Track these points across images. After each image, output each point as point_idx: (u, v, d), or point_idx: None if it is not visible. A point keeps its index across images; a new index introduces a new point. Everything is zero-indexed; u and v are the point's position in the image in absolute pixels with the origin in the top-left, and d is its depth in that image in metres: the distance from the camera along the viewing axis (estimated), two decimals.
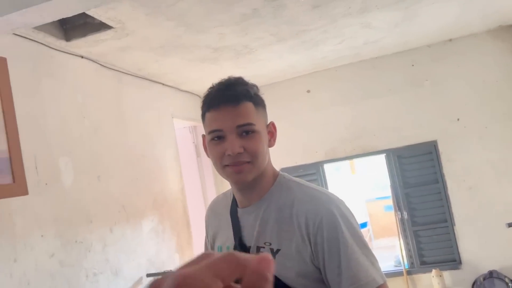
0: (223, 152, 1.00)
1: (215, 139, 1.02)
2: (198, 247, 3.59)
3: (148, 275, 2.77)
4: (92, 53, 2.55)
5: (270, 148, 1.10)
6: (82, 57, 2.53)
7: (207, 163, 4.28)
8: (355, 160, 5.95)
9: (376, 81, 3.98)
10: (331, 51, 3.46)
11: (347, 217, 0.99)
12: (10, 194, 1.76)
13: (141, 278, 2.71)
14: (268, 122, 1.10)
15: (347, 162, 6.11)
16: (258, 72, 3.66)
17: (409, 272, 3.94)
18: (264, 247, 1.02)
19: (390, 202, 4.24)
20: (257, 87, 1.09)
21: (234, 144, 0.98)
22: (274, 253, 1.00)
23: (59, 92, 2.31)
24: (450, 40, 3.78)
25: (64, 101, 2.34)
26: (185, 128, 4.29)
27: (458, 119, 3.77)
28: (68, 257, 2.15)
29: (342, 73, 4.07)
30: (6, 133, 1.78)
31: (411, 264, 3.95)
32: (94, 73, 2.65)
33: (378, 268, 0.97)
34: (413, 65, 3.90)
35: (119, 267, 2.53)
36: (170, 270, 1.89)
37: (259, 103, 1.06)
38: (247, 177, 1.01)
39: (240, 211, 1.10)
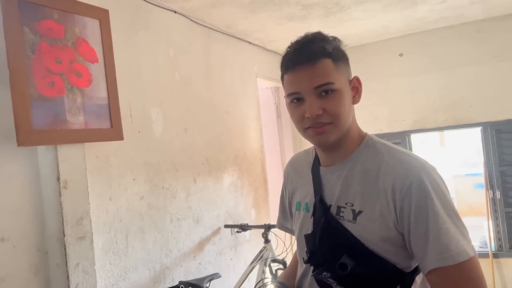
0: (303, 115, 0.98)
1: (294, 101, 1.00)
2: (273, 205, 3.67)
3: (226, 226, 2.90)
4: (185, 8, 2.61)
5: (354, 108, 1.05)
6: (175, 12, 2.61)
7: (287, 124, 4.28)
8: (446, 132, 5.55)
9: (479, 47, 3.60)
10: (431, 11, 3.17)
11: (439, 185, 0.92)
12: (108, 138, 1.91)
13: (219, 228, 2.86)
14: (352, 76, 1.04)
15: (435, 133, 5.73)
16: (347, 33, 3.49)
17: (495, 255, 3.67)
18: (345, 207, 1.00)
19: (481, 179, 3.93)
20: (337, 39, 1.03)
21: (312, 106, 0.95)
22: (356, 214, 0.97)
23: (153, 45, 2.42)
24: None
25: (157, 55, 2.45)
26: (268, 89, 4.30)
27: None
28: (156, 201, 2.32)
29: (440, 36, 3.73)
30: (106, 82, 1.91)
31: (499, 247, 3.67)
32: (185, 29, 2.72)
33: (469, 240, 0.90)
34: None
35: (200, 215, 2.68)
36: (246, 224, 1.96)
37: (339, 58, 0.99)
38: (329, 139, 0.99)
39: (322, 169, 1.08)
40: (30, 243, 1.64)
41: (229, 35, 3.23)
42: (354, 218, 0.97)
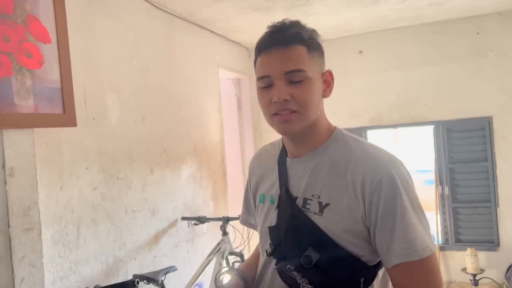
0: (270, 100, 0.95)
1: (263, 86, 0.98)
2: (232, 197, 3.64)
3: (183, 219, 2.84)
4: None
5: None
6: None
7: (248, 117, 4.26)
8: (400, 130, 5.74)
9: (435, 48, 3.73)
10: (392, 10, 3.25)
11: (407, 180, 0.94)
12: (60, 124, 1.80)
13: (176, 220, 2.79)
14: (325, 70, 1.03)
15: (391, 130, 5.91)
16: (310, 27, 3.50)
17: (442, 248, 3.85)
18: (311, 199, 0.98)
19: (431, 176, 4.09)
20: (315, 31, 1.01)
21: (281, 91, 0.93)
22: (323, 206, 0.96)
23: (111, 28, 2.30)
24: None
25: (116, 39, 2.34)
26: (229, 80, 4.25)
27: None
28: (110, 192, 2.22)
29: (399, 35, 3.83)
30: (60, 64, 1.80)
31: (445, 241, 3.86)
32: (146, 13, 2.62)
33: (431, 236, 0.93)
34: (478, 33, 3.60)
35: (156, 207, 2.60)
36: (204, 216, 1.91)
37: (313, 48, 0.98)
38: (294, 127, 0.97)
39: (289, 161, 1.07)
40: None
41: (191, 22, 3.15)
42: (321, 210, 0.96)
